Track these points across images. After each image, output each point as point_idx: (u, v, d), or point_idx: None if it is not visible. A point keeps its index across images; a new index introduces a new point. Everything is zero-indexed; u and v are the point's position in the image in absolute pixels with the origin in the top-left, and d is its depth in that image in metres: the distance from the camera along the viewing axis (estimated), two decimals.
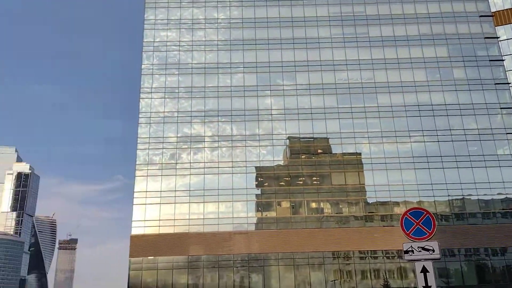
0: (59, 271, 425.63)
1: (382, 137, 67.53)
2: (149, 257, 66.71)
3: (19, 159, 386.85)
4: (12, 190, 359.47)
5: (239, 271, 63.30)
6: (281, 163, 68.83)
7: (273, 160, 68.48)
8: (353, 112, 69.17)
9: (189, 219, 66.39)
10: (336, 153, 68.29)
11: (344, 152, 67.96)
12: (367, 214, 64.56)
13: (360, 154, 67.30)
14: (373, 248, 61.77)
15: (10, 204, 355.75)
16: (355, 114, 69.03)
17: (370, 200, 65.46)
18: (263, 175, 68.35)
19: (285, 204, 66.47)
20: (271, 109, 70.78)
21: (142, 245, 66.93)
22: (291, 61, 72.85)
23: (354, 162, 67.31)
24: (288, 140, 69.51)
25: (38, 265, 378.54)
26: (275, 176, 67.82)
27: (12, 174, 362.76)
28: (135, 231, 67.87)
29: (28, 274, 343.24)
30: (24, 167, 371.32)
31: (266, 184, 67.98)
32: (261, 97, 71.60)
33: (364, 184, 65.83)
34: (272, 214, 65.80)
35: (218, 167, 68.23)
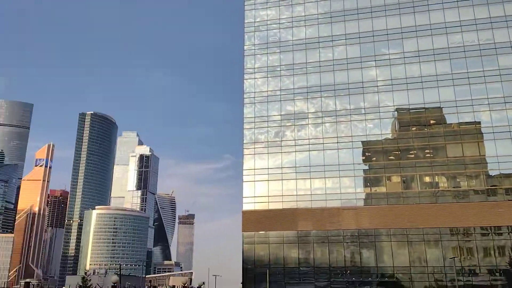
0: (180, 243, 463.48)
1: (505, 102, 60.96)
2: (261, 232, 69.28)
3: (140, 143, 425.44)
4: (136, 171, 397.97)
5: (349, 246, 62.76)
6: (390, 136, 65.93)
7: (381, 134, 65.86)
8: (470, 77, 63.29)
9: (296, 195, 67.24)
10: (451, 123, 63.38)
11: (461, 121, 62.75)
12: (490, 187, 59.23)
13: (479, 123, 61.63)
14: (497, 223, 56.75)
15: (135, 184, 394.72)
16: (473, 79, 63.08)
17: (492, 173, 59.89)
18: (371, 150, 66.22)
19: (396, 178, 63.80)
20: (376, 81, 67.79)
21: (253, 220, 69.63)
22: (397, 27, 68.60)
23: (473, 131, 61.84)
24: (396, 112, 66.17)
25: (162, 238, 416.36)
26: (383, 150, 65.28)
27: (135, 156, 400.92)
28: (246, 207, 70.84)
29: (154, 246, 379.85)
30: (145, 150, 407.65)
31: (374, 158, 65.78)
32: (366, 69, 68.84)
33: (484, 155, 60.32)
34: (382, 189, 63.69)
35: (323, 143, 67.70)
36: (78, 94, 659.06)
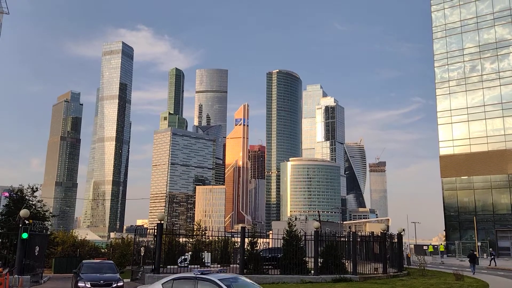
0: (373, 191, 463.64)
1: None
2: (463, 177, 64.30)
3: (324, 94, 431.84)
4: (322, 123, 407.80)
5: None
6: None
7: None
8: None
9: (504, 134, 60.61)
10: None
11: None
12: None
13: None
14: None
15: (323, 135, 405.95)
16: None
17: None
18: None
19: None
20: None
21: (453, 164, 64.96)
22: None
23: None
24: None
25: (354, 186, 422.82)
26: None
27: (320, 108, 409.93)
28: (443, 151, 66.48)
29: (347, 194, 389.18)
30: (329, 101, 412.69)
31: None
32: None
33: None
34: None
35: None
36: (264, 54, 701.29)
